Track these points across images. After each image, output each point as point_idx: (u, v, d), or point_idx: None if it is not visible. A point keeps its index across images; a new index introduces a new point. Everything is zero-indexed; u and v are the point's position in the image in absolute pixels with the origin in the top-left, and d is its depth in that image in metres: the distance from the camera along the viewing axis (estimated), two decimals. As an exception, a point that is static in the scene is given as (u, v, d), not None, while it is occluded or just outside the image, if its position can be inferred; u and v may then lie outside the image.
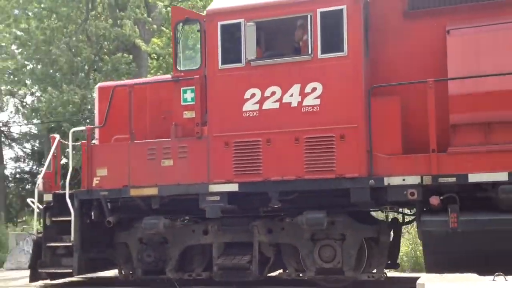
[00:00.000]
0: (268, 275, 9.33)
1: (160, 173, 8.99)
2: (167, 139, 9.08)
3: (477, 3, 8.11)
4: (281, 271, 9.40)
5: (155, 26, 21.26)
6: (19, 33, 23.10)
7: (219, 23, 8.75)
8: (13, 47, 23.96)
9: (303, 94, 8.31)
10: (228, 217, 9.06)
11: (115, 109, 9.65)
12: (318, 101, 8.25)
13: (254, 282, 8.92)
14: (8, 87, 24.99)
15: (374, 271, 8.59)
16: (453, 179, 7.58)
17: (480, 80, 7.60)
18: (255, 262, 8.72)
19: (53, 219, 9.88)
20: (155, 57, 23.93)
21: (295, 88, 8.36)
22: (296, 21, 8.60)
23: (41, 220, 10.03)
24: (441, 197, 7.62)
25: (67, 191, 9.54)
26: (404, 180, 7.81)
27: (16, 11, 23.24)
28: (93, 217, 9.53)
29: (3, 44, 23.99)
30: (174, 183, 8.91)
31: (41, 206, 10.03)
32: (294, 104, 8.35)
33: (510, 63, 7.58)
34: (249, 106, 8.55)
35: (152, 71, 23.05)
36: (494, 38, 7.81)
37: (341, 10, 8.20)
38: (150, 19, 21.11)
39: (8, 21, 22.56)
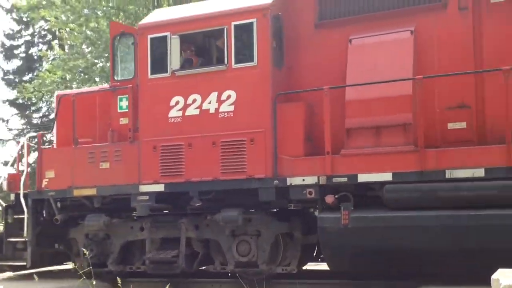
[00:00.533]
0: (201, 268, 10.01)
1: (99, 175, 9.83)
2: (105, 143, 9.92)
3: (375, 13, 8.64)
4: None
5: None
6: (89, 32, 23.84)
7: (149, 36, 9.55)
8: (84, 46, 24.82)
9: (219, 101, 9.02)
10: (160, 215, 9.83)
11: (70, 116, 10.53)
12: (232, 108, 8.94)
13: (183, 274, 9.65)
14: (79, 85, 25.31)
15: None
16: (345, 179, 8.16)
17: (371, 87, 8.15)
18: (181, 256, 9.46)
19: (15, 216, 10.82)
20: None
21: (213, 96, 9.07)
22: (216, 33, 9.30)
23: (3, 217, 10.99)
24: (336, 196, 8.20)
25: (21, 191, 10.48)
26: (303, 180, 8.43)
27: (86, 11, 23.90)
28: (44, 215, 10.44)
29: (74, 43, 24.99)
30: (110, 184, 9.75)
31: (4, 204, 11.01)
32: (212, 110, 9.07)
33: (399, 70, 8.10)
34: (174, 113, 9.30)
35: None
36: (385, 46, 8.35)
37: (252, 23, 8.87)
38: None
39: (79, 21, 23.38)
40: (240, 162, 8.82)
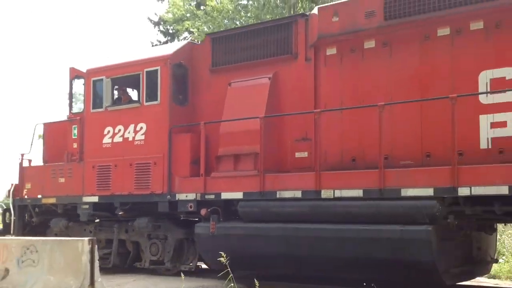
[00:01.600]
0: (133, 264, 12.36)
1: (58, 187, 12.55)
2: (62, 163, 12.63)
3: (248, 62, 10.69)
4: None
5: None
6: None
7: (92, 79, 12.15)
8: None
9: (135, 132, 11.43)
10: (104, 220, 12.38)
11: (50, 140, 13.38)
12: (143, 137, 11.33)
13: (115, 270, 12.09)
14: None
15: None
16: (213, 197, 10.29)
17: (236, 122, 10.23)
18: (114, 254, 11.94)
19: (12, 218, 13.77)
20: None
21: (131, 127, 11.50)
22: (136, 77, 11.72)
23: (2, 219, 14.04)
24: (208, 209, 10.35)
25: (10, 199, 13.44)
26: (186, 196, 10.64)
27: (226, 21, 25.28)
28: (26, 218, 13.33)
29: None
30: (65, 194, 12.43)
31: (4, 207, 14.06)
32: (130, 138, 11.50)
33: (256, 109, 10.12)
34: (106, 140, 11.83)
35: None
36: (250, 89, 10.39)
37: (156, 70, 11.22)
38: None
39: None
40: (147, 180, 11.17)
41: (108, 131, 11.84)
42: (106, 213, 12.14)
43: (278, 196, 9.58)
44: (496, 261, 10.83)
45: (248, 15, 24.47)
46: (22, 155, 13.57)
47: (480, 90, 8.40)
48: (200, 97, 11.42)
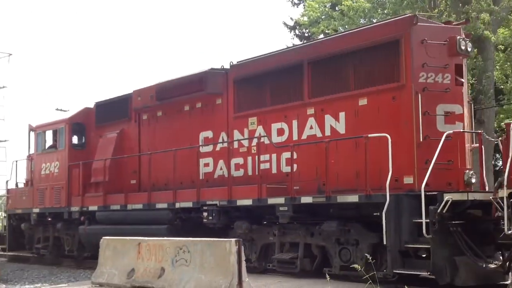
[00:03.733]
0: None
1: (24, 202, 19.31)
2: (25, 187, 19.39)
3: (110, 122, 16.75)
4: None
5: (503, 14, 20.78)
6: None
7: (36, 132, 18.81)
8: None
9: (54, 166, 17.90)
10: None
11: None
12: (58, 170, 17.76)
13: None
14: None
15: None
16: (85, 209, 16.45)
17: (98, 161, 16.34)
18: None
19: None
20: (502, 48, 23.58)
21: (54, 163, 17.97)
22: (54, 132, 18.16)
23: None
24: (85, 216, 16.54)
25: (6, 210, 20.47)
26: (75, 208, 16.89)
27: (362, 20, 25.08)
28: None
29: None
30: (24, 207, 19.17)
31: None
32: (53, 171, 17.98)
33: (108, 153, 16.17)
34: (42, 172, 18.41)
35: (498, 64, 23.03)
36: (108, 140, 16.46)
37: (63, 128, 17.62)
38: (497, 7, 20.19)
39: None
40: (58, 198, 17.56)
41: (43, 166, 18.39)
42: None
43: (110, 208, 15.57)
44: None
45: (385, 11, 23.60)
46: (7, 181, 20.54)
47: (199, 144, 13.91)
48: (91, 144, 17.64)
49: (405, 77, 10.36)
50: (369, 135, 10.25)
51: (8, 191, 20.41)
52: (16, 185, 19.97)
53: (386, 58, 10.70)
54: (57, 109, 30.98)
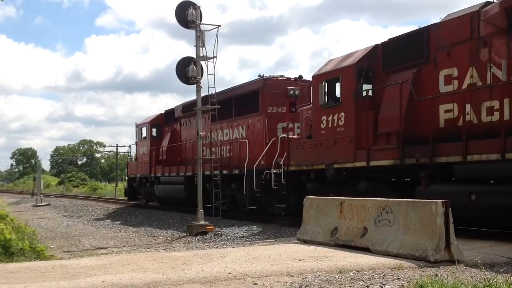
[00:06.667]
0: None
1: (133, 170, 31.50)
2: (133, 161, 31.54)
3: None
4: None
5: None
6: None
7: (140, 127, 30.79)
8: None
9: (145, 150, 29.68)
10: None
11: None
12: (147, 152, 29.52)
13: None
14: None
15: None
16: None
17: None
18: None
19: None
20: None
21: (144, 148, 29.75)
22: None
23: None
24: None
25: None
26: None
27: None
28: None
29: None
30: (133, 173, 31.38)
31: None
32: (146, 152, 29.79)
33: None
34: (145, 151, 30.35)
35: None
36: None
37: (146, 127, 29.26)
38: None
39: None
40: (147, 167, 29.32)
41: (142, 149, 30.25)
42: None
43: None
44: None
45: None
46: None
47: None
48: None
49: (261, 109, 19.75)
50: (240, 140, 20.02)
51: (128, 164, 32.73)
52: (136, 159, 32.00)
53: (253, 99, 20.17)
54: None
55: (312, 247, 9.47)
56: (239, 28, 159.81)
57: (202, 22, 17.17)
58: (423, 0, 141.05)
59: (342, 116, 14.29)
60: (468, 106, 11.20)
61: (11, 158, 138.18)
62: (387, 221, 8.62)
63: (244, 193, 19.02)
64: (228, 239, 15.27)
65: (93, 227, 21.06)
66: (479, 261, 6.89)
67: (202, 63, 17.47)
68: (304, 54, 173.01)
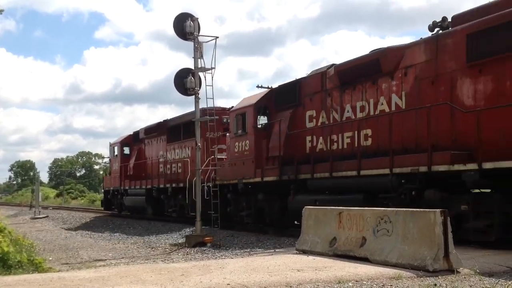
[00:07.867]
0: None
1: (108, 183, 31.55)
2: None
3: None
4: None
5: None
6: None
7: (113, 147, 30.85)
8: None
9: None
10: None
11: None
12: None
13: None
14: None
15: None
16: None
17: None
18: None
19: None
20: None
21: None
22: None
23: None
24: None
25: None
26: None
27: None
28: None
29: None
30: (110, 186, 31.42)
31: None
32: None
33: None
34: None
35: None
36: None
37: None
38: None
39: None
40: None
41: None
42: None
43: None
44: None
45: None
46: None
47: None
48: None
49: (201, 136, 19.88)
50: (184, 159, 21.64)
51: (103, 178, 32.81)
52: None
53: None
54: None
55: (311, 258, 9.44)
56: (237, 39, 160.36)
57: (200, 34, 17.24)
58: (420, 11, 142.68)
59: (247, 142, 18.74)
60: (320, 138, 15.91)
61: (10, 170, 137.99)
62: (385, 231, 8.63)
63: (187, 202, 20.81)
64: (227, 249, 15.45)
65: (92, 239, 20.96)
66: (478, 270, 6.90)
67: (201, 74, 17.55)
68: (302, 64, 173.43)
